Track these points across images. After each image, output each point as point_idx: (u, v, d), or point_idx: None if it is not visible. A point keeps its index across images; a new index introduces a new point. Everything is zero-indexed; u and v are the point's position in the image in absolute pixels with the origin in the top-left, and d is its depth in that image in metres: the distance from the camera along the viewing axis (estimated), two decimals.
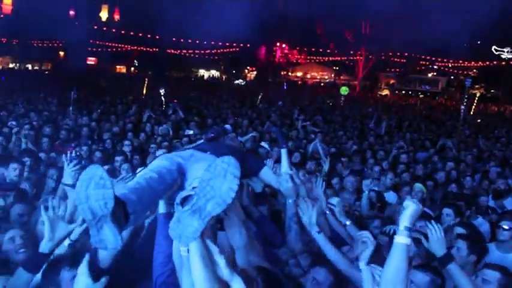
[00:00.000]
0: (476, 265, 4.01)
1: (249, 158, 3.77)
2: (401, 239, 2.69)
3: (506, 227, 4.94)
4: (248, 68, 48.67)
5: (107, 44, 39.35)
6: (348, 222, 4.11)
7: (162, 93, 16.25)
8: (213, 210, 2.20)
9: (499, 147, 12.89)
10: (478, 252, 4.10)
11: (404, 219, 2.71)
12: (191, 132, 10.62)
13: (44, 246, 2.80)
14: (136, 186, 2.47)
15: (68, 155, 4.06)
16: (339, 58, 45.04)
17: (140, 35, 35.09)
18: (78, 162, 4.08)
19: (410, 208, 2.74)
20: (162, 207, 2.81)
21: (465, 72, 37.46)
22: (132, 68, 42.69)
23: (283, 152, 3.94)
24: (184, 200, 2.33)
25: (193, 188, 2.44)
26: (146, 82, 21.77)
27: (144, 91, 21.54)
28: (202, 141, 4.18)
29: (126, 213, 2.23)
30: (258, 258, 3.28)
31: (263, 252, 3.58)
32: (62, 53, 42.46)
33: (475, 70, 38.85)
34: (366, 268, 2.95)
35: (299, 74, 49.52)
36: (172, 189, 2.74)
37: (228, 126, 4.31)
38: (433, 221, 3.31)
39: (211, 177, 2.25)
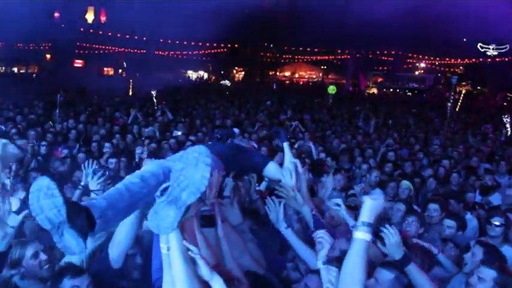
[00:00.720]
0: None
1: (254, 155, 3.89)
2: (360, 235, 2.60)
3: (497, 223, 4.99)
4: (236, 68, 48.63)
5: (93, 46, 39.05)
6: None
7: (154, 95, 16.19)
8: (188, 199, 2.23)
9: (487, 143, 13.02)
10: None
11: (363, 215, 2.64)
12: (179, 133, 10.60)
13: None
14: (111, 192, 2.54)
15: (90, 167, 4.20)
16: (327, 57, 45.18)
17: (127, 36, 34.84)
18: (102, 174, 4.15)
19: (367, 203, 2.67)
20: None
21: (452, 70, 37.71)
22: (120, 70, 42.41)
23: (286, 145, 4.03)
24: (164, 192, 2.34)
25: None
26: (131, 83, 21.71)
27: (130, 92, 21.47)
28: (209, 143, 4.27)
29: (91, 219, 2.29)
30: (251, 262, 3.27)
31: (261, 256, 3.58)
32: (48, 56, 42.13)
33: (461, 67, 39.17)
34: (322, 267, 2.95)
35: (287, 73, 49.59)
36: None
37: (236, 130, 4.42)
38: (388, 225, 3.21)
39: (184, 167, 2.29)
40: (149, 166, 2.90)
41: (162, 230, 2.24)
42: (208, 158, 2.30)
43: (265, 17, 30.08)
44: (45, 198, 2.24)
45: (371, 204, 2.67)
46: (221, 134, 4.09)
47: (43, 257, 3.18)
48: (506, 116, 15.99)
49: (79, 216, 2.28)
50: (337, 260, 3.24)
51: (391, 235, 3.11)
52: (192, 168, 2.28)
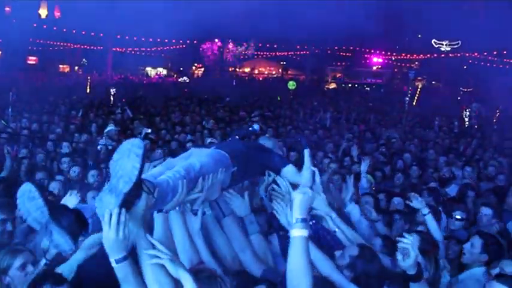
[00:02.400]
0: (488, 265, 4.04)
1: (274, 156, 3.86)
2: (297, 232, 2.57)
3: (458, 217, 5.12)
4: (196, 65, 48.24)
5: (48, 42, 37.84)
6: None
7: (113, 93, 15.93)
8: (123, 188, 2.36)
9: (442, 136, 13.39)
10: (491, 253, 4.09)
11: (295, 211, 2.62)
12: (149, 130, 10.50)
13: None
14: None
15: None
16: (286, 53, 45.38)
17: (83, 32, 33.92)
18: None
19: (297, 199, 2.66)
20: None
21: (408, 65, 38.59)
22: (76, 67, 41.35)
23: (306, 152, 3.99)
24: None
25: None
26: (89, 81, 21.28)
27: (88, 90, 21.04)
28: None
29: (83, 219, 2.62)
30: (251, 259, 3.22)
31: (266, 252, 3.53)
32: None
33: (416, 62, 40.14)
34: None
35: (247, 69, 49.57)
36: None
37: (256, 126, 4.38)
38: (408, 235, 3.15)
39: (119, 158, 2.43)
40: (158, 168, 3.09)
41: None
42: (140, 150, 2.40)
43: (225, 13, 29.90)
44: (29, 201, 2.56)
45: (301, 200, 2.66)
46: (240, 134, 4.18)
47: (30, 268, 3.11)
48: (463, 110, 16.55)
49: (65, 216, 2.56)
50: (347, 267, 3.23)
51: (412, 246, 2.98)
52: (125, 159, 2.40)
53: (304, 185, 3.70)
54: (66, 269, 2.97)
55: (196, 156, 3.31)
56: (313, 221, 3.85)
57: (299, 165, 3.89)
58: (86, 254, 3.04)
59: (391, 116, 18.18)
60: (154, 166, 3.46)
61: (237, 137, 4.17)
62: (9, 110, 11.64)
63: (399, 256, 3.00)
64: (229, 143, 3.97)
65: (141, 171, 2.39)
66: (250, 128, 4.39)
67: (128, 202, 2.39)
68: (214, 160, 3.29)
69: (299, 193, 2.70)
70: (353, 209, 4.88)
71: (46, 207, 2.51)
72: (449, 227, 5.18)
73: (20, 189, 2.56)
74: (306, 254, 2.52)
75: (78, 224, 2.56)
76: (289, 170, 3.79)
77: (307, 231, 2.58)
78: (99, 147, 7.89)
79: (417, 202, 4.59)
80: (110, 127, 10.01)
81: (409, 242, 2.96)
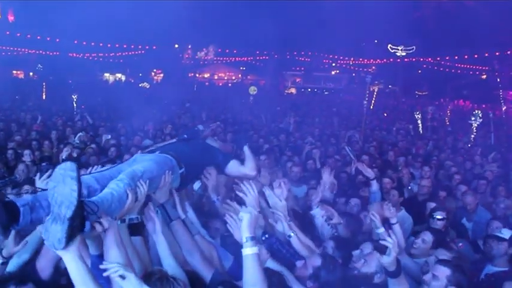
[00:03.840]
0: None
1: (217, 154, 4.07)
2: (249, 251, 2.78)
3: (439, 216, 5.34)
4: (155, 70, 47.77)
5: (1, 47, 36.67)
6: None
7: (74, 99, 15.63)
8: (66, 213, 2.34)
9: (400, 138, 13.80)
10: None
11: (244, 231, 2.84)
12: (109, 136, 10.39)
13: None
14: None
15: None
16: (246, 58, 45.55)
17: (38, 37, 33.02)
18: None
19: (244, 220, 2.87)
20: (92, 249, 2.83)
21: (365, 69, 39.40)
22: (31, 73, 40.20)
23: (246, 147, 4.21)
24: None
25: None
26: (45, 87, 20.81)
27: (44, 96, 20.59)
28: (174, 140, 4.35)
29: (14, 213, 2.54)
30: (199, 261, 3.27)
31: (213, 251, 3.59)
32: None
33: (373, 67, 41.05)
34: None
35: (206, 75, 49.48)
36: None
37: (200, 127, 4.46)
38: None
39: (55, 185, 2.42)
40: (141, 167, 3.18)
41: (57, 245, 2.34)
42: (74, 172, 2.41)
43: (183, 19, 29.78)
44: None
45: (248, 220, 2.87)
46: (188, 134, 4.27)
47: None
48: (416, 113, 17.04)
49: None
50: (310, 278, 3.34)
51: (393, 246, 3.23)
52: (61, 185, 2.39)
53: (248, 174, 3.98)
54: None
55: (140, 162, 3.39)
56: (266, 236, 3.97)
57: None
58: (19, 262, 3.15)
59: (351, 119, 18.54)
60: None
61: (186, 136, 4.29)
62: None
63: (377, 254, 3.27)
64: (174, 145, 4.05)
65: (79, 193, 2.39)
66: (195, 128, 4.52)
67: (73, 228, 2.37)
68: (157, 164, 3.39)
69: (246, 213, 2.90)
70: (317, 213, 4.97)
71: None
72: (431, 227, 5.34)
73: None
74: (259, 268, 2.75)
75: (9, 218, 2.48)
76: (233, 164, 4.01)
77: (257, 248, 2.79)
78: (64, 156, 7.74)
79: (389, 212, 4.67)
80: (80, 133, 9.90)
81: (391, 242, 3.21)
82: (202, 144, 4.20)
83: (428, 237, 4.48)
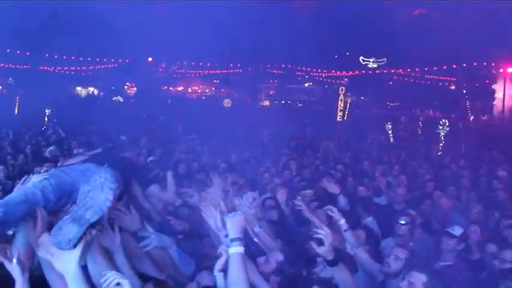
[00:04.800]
0: None
1: (141, 173, 4.13)
2: (234, 250, 3.00)
3: (403, 222, 5.50)
4: (128, 83, 47.37)
5: None
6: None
7: (48, 113, 15.47)
8: (91, 217, 2.50)
9: (374, 148, 14.05)
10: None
11: (230, 232, 3.06)
12: (80, 151, 10.25)
13: None
14: (9, 199, 2.85)
15: None
16: (219, 71, 45.55)
17: (8, 51, 32.41)
18: None
19: (229, 223, 3.10)
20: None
21: (338, 81, 39.88)
22: (0, 87, 39.40)
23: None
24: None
25: None
26: (18, 101, 20.50)
27: (16, 110, 20.27)
28: (99, 150, 4.36)
29: None
30: (151, 268, 3.31)
31: (166, 260, 3.62)
32: None
33: (346, 79, 41.58)
34: (218, 275, 3.23)
35: (180, 88, 49.29)
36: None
37: (123, 137, 4.58)
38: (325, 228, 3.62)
39: (90, 189, 2.59)
40: (52, 179, 3.11)
41: (63, 245, 2.45)
42: (113, 184, 2.62)
43: (156, 31, 29.73)
44: None
45: (232, 222, 3.10)
46: (114, 144, 4.43)
47: None
48: (388, 123, 17.40)
49: None
50: (275, 273, 3.48)
51: (326, 237, 3.52)
52: (98, 191, 2.56)
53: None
54: None
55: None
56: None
57: None
58: None
59: (325, 130, 18.74)
60: None
61: (110, 145, 4.49)
62: None
63: (314, 245, 3.54)
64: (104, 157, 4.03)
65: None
66: (119, 138, 4.74)
67: (86, 232, 2.50)
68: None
69: (229, 218, 3.13)
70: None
71: None
72: (397, 233, 5.50)
73: None
74: (243, 267, 2.95)
75: None
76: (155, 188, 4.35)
77: (243, 248, 3.01)
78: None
79: (336, 215, 4.85)
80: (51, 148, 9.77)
81: (323, 233, 3.51)
82: (124, 158, 4.37)
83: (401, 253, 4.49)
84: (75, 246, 2.46)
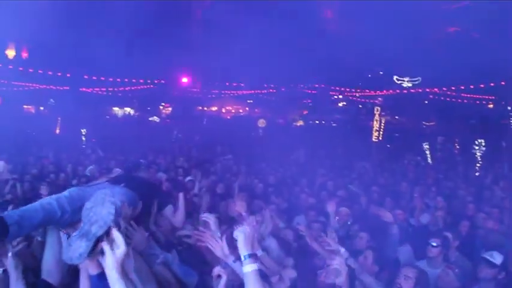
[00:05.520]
0: None
1: (161, 193, 4.35)
2: (248, 268, 2.91)
3: (434, 244, 5.40)
4: (163, 104, 48.20)
5: (12, 83, 37.20)
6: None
7: (84, 133, 15.91)
8: (97, 232, 2.60)
9: (411, 169, 13.85)
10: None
11: (241, 249, 2.98)
12: (118, 170, 10.47)
13: None
14: (27, 208, 3.24)
15: None
16: (253, 91, 45.87)
17: (50, 73, 33.56)
18: None
19: (239, 238, 2.99)
20: (92, 269, 2.97)
21: (372, 101, 39.59)
22: (42, 107, 40.68)
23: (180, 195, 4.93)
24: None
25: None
26: (59, 121, 21.11)
27: (58, 130, 20.88)
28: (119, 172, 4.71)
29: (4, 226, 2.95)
30: None
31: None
32: None
33: (380, 98, 41.23)
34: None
35: (214, 108, 49.81)
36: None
37: (142, 161, 4.86)
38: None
39: (93, 205, 2.71)
40: (67, 193, 3.53)
41: (74, 260, 2.59)
42: (113, 198, 2.73)
43: (190, 54, 30.30)
44: None
45: (243, 237, 3.00)
46: (129, 165, 4.67)
47: None
48: (425, 143, 17.12)
49: None
50: None
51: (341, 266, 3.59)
52: (100, 206, 2.68)
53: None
54: None
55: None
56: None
57: None
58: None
59: (360, 150, 18.60)
60: None
61: (129, 165, 4.69)
62: None
63: (331, 276, 3.68)
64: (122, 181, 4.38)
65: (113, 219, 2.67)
66: (138, 161, 4.95)
67: (95, 247, 2.60)
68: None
69: (240, 232, 3.02)
70: (271, 243, 4.95)
71: None
72: (428, 255, 5.42)
73: None
74: (260, 283, 2.88)
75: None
76: (170, 209, 4.69)
77: (257, 264, 2.93)
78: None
79: (334, 245, 4.68)
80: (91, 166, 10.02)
81: (338, 263, 3.65)
82: (142, 179, 4.59)
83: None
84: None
